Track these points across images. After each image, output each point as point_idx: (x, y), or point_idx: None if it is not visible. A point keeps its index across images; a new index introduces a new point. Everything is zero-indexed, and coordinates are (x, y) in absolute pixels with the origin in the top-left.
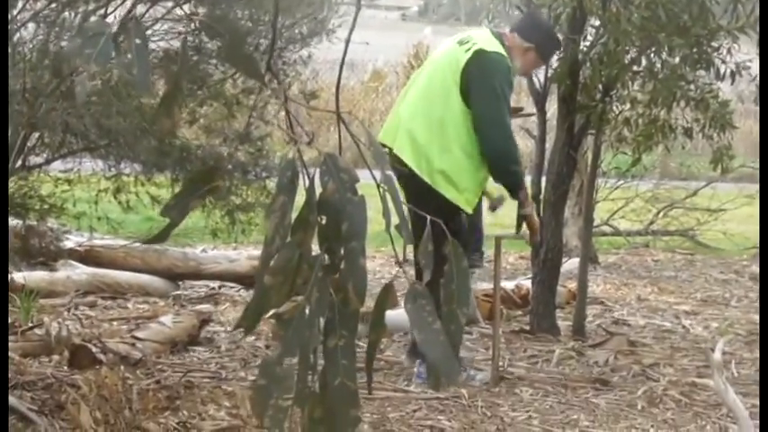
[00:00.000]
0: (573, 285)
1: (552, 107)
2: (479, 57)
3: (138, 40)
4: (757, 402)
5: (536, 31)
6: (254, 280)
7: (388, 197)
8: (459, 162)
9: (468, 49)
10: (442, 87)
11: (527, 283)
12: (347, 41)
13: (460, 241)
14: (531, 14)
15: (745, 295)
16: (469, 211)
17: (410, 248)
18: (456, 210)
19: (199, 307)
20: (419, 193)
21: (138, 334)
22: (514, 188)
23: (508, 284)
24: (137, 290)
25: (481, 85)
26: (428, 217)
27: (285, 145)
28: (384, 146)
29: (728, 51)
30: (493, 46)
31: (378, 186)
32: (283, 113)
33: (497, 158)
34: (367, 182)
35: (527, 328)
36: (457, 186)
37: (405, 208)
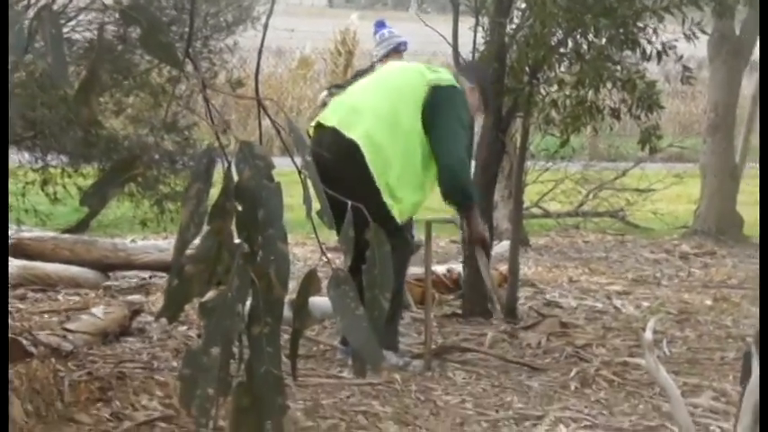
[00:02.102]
0: (504, 268)
1: None
2: (450, 91)
3: (53, 30)
4: (689, 381)
5: (478, 73)
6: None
7: (309, 183)
8: (408, 176)
9: (437, 80)
10: (410, 103)
11: (458, 267)
12: (265, 27)
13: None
14: (472, 62)
15: (675, 274)
16: (398, 220)
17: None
18: (388, 214)
19: (130, 297)
20: (358, 183)
21: (69, 326)
22: (470, 203)
23: (439, 268)
24: (67, 282)
25: (447, 114)
26: (349, 202)
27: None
28: (328, 128)
29: (654, 31)
30: (457, 83)
31: (299, 172)
32: (210, 101)
33: (449, 176)
34: (292, 169)
35: (459, 311)
36: (394, 195)
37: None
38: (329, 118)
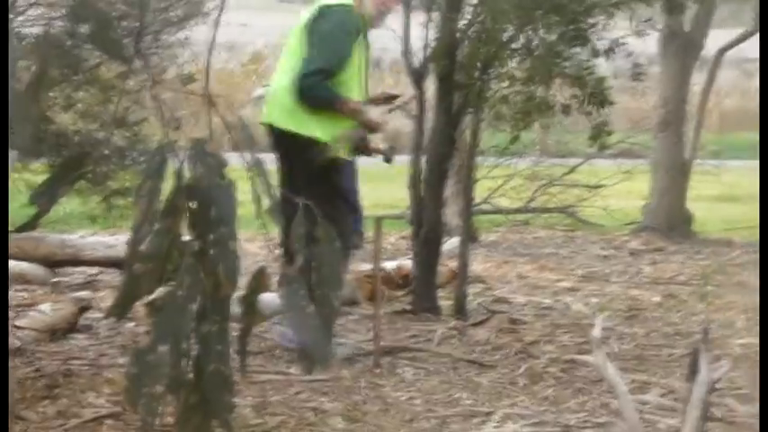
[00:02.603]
0: (454, 265)
1: (431, 87)
2: (320, 11)
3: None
4: (637, 377)
5: None
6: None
7: (258, 181)
8: (322, 113)
9: (314, 8)
10: (296, 49)
11: (408, 264)
12: (216, 23)
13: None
14: None
15: (624, 270)
16: (345, 155)
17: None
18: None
19: (78, 294)
20: (307, 158)
21: (17, 322)
22: (329, 102)
23: (389, 265)
24: (15, 278)
25: (316, 33)
26: (301, 201)
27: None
28: (266, 125)
29: (604, 28)
30: (337, 1)
31: (248, 170)
32: (159, 97)
33: (295, 92)
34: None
35: (409, 308)
36: (323, 128)
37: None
38: (265, 114)
